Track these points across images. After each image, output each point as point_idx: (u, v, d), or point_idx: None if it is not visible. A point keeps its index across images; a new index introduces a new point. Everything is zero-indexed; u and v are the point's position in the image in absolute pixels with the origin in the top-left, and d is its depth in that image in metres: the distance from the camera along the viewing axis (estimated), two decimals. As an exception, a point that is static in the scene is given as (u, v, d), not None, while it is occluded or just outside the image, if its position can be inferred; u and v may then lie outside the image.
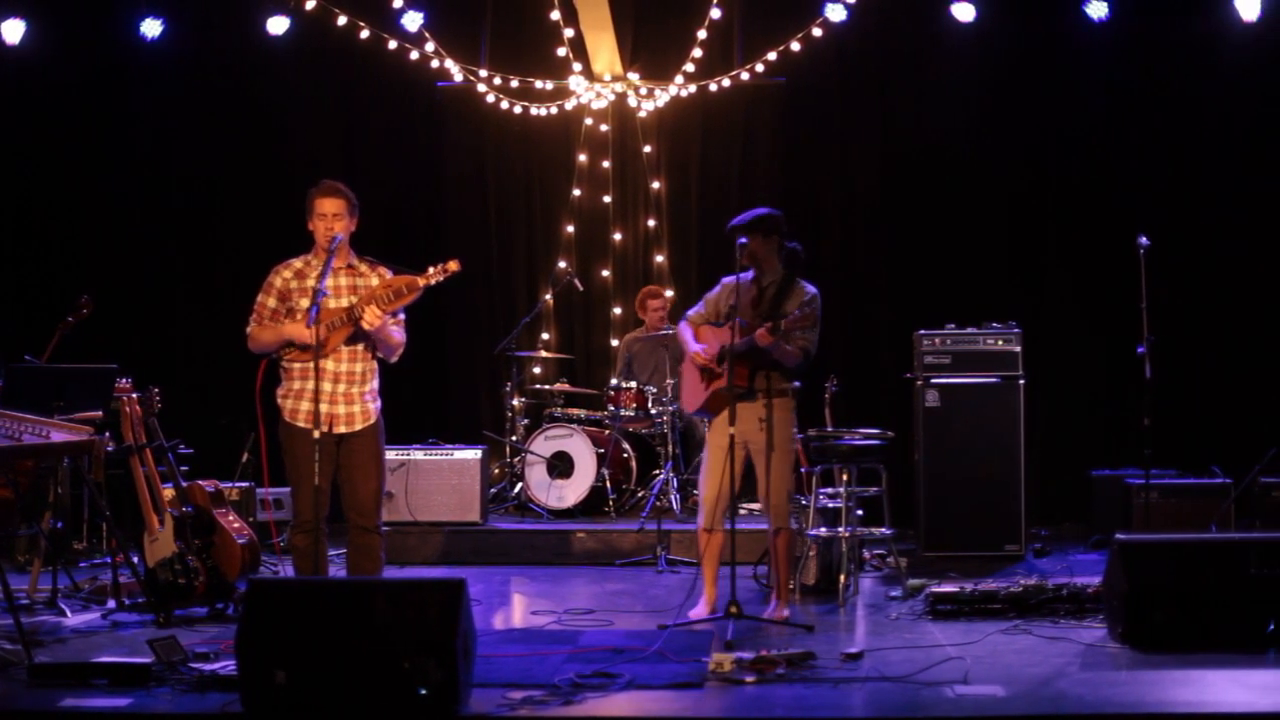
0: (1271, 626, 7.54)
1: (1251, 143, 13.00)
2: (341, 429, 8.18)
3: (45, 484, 9.78)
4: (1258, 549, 7.68)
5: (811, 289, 8.80)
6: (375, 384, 8.36)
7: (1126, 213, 12.51)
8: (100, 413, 9.50)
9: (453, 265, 8.09)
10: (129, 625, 8.71)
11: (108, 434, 9.53)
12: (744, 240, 8.72)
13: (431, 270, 8.08)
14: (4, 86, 13.58)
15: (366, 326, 8.02)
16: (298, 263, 8.30)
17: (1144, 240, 10.09)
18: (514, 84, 13.69)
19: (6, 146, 13.65)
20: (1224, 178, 12.99)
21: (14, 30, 12.92)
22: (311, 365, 8.00)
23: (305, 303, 8.03)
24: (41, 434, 8.00)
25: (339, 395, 8.16)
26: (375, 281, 8.24)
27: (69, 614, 8.95)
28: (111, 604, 9.21)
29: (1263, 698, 6.52)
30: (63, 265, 13.56)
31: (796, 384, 8.83)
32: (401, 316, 8.35)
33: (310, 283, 8.12)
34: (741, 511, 11.04)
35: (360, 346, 8.22)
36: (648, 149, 13.89)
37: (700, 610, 8.68)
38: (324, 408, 8.04)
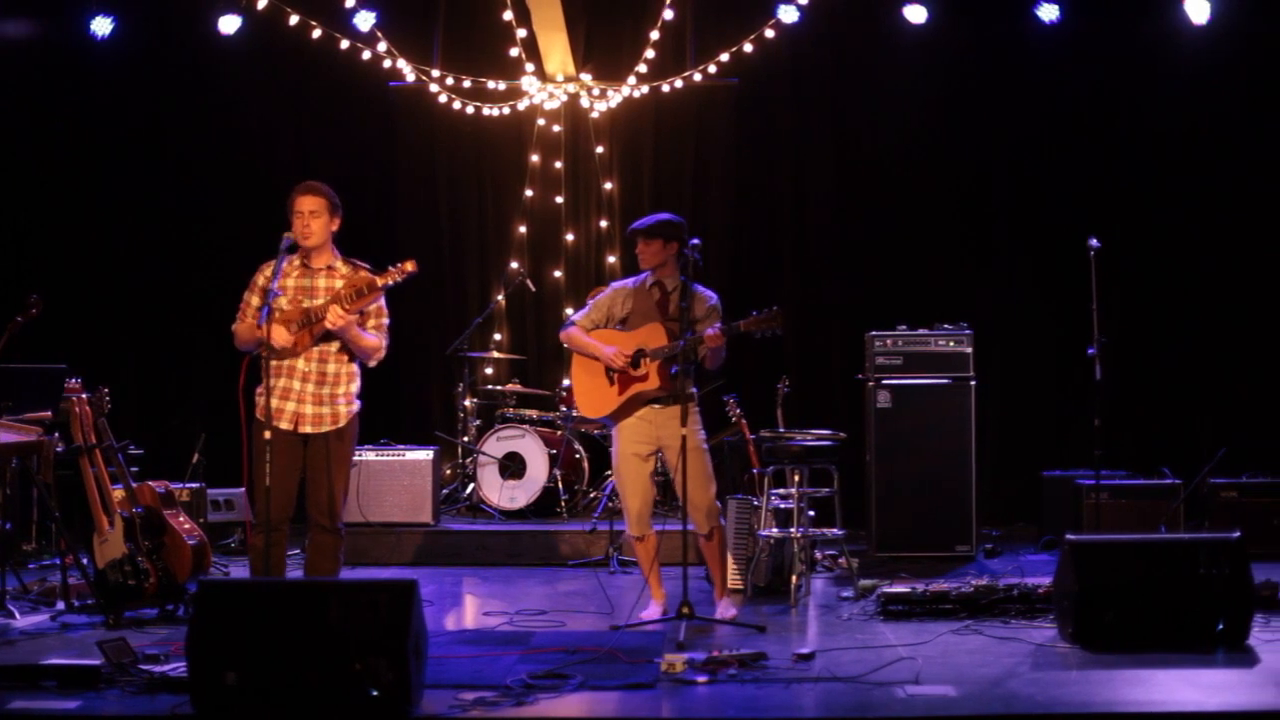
0: (1221, 626, 7.60)
1: (1202, 145, 13.07)
2: (308, 429, 8.16)
3: (-7, 485, 9.73)
4: (1207, 549, 7.73)
5: (712, 294, 8.82)
6: (351, 387, 8.34)
7: (1078, 214, 12.57)
8: (49, 413, 9.45)
9: (409, 266, 8.08)
10: (78, 627, 8.66)
11: (57, 434, 9.49)
12: (645, 243, 8.74)
13: (389, 270, 8.06)
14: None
15: (329, 325, 8.00)
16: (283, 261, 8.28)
17: (1094, 242, 10.13)
18: (466, 84, 13.66)
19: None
20: (1174, 180, 13.06)
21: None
22: (284, 363, 8.06)
23: (283, 301, 8.04)
24: (-10, 434, 7.97)
25: (307, 394, 8.15)
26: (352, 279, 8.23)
27: (17, 616, 8.89)
28: (60, 605, 9.15)
29: (1211, 697, 6.56)
30: (11, 265, 13.45)
31: (695, 389, 8.81)
32: (386, 322, 8.36)
33: (290, 281, 8.12)
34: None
35: (334, 348, 8.20)
36: (600, 150, 13.89)
37: (652, 612, 8.67)
38: (291, 406, 8.07)
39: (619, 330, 8.84)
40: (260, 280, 8.29)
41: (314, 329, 8.08)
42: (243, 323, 8.28)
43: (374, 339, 8.27)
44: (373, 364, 8.38)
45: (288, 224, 8.24)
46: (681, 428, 8.37)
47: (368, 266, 8.35)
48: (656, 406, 8.65)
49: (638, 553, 8.88)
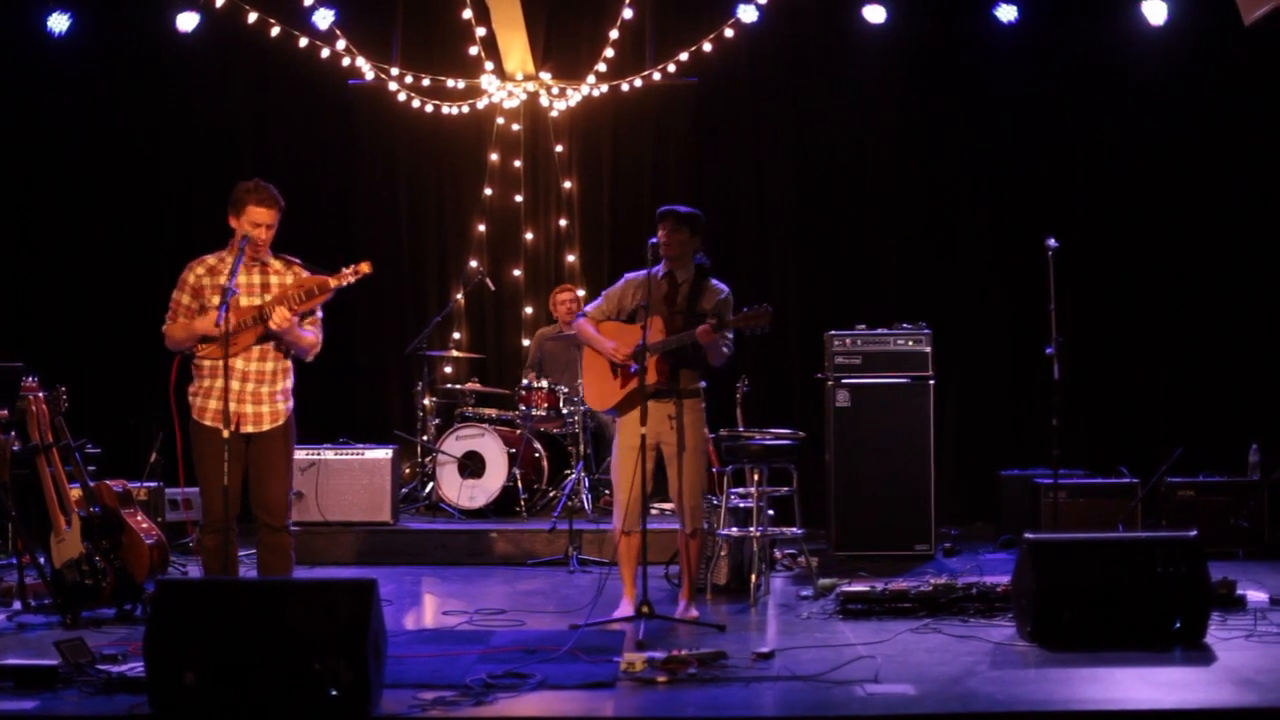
0: (1178, 624, 7.63)
1: (1159, 146, 13.14)
2: (249, 428, 8.10)
3: (-51, 484, 9.66)
4: (1164, 548, 7.76)
5: (724, 287, 8.82)
6: (288, 384, 8.28)
7: (1035, 214, 12.64)
8: (5, 411, 9.38)
9: (364, 267, 8.05)
10: (35, 627, 8.61)
11: (13, 433, 9.43)
12: (674, 229, 8.72)
13: (344, 271, 8.02)
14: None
15: (274, 327, 7.95)
16: (211, 259, 8.20)
17: (1052, 242, 10.16)
18: (425, 82, 13.66)
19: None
20: (1132, 180, 13.13)
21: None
22: (220, 363, 7.94)
23: (217, 299, 7.95)
24: (-55, 433, 7.92)
25: (247, 394, 8.09)
26: (290, 279, 8.17)
27: (-27, 616, 8.86)
28: (17, 605, 9.09)
29: (1168, 695, 6.58)
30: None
31: (704, 383, 8.83)
32: (319, 315, 8.29)
33: (222, 280, 8.03)
34: (653, 511, 11.03)
35: (271, 345, 8.14)
36: (559, 149, 13.90)
37: (625, 611, 8.65)
38: (232, 406, 7.95)
39: (626, 324, 8.84)
40: (190, 279, 8.16)
41: (255, 330, 8.03)
42: (174, 323, 8.17)
43: (311, 335, 8.22)
44: (309, 359, 8.32)
45: (225, 211, 8.18)
46: (671, 421, 8.43)
47: (299, 262, 8.29)
48: (659, 400, 8.61)
49: (620, 548, 8.84)
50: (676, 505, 8.79)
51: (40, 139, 13.68)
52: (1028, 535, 8.01)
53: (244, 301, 8.06)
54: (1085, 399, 12.41)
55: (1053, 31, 13.18)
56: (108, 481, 9.18)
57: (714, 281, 8.83)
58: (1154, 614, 7.66)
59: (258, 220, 8.08)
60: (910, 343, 11.40)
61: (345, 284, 8.06)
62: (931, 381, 11.35)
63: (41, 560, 9.04)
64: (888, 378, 11.38)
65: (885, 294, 12.97)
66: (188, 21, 13.01)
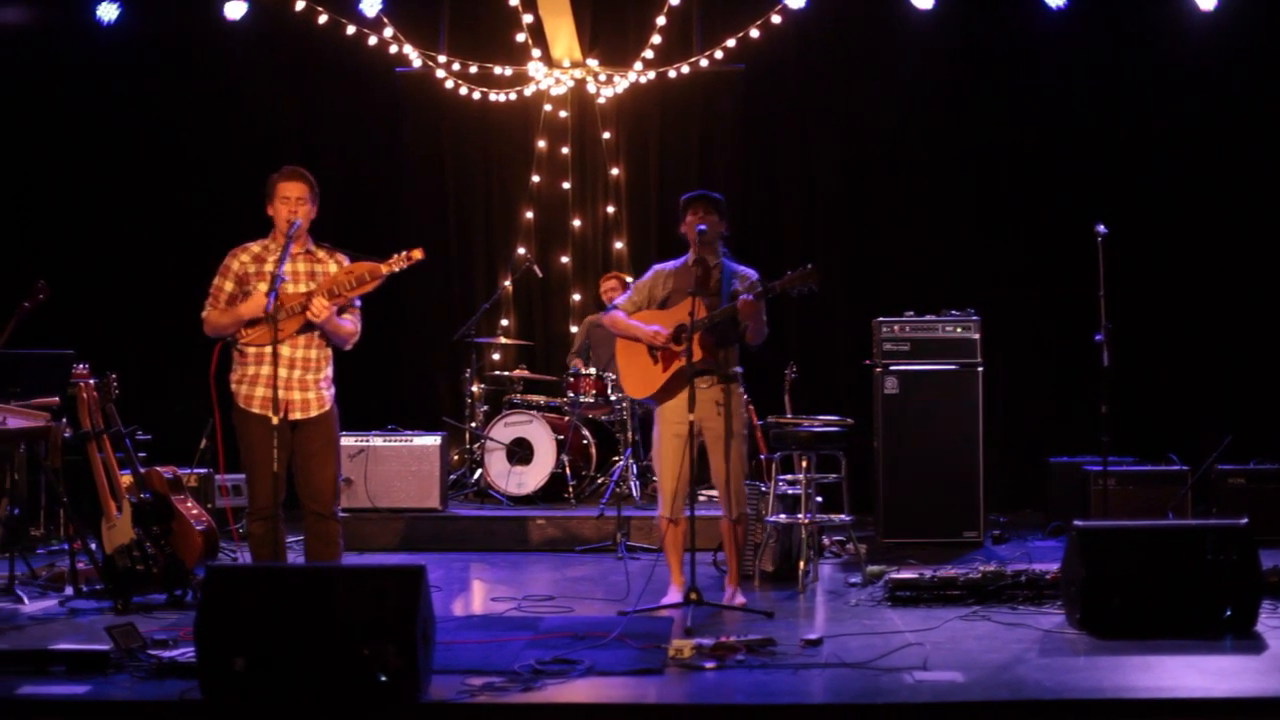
0: (1228, 612, 7.57)
1: (1210, 130, 13.05)
2: (297, 415, 8.11)
3: (2, 471, 9.74)
4: (1214, 535, 7.70)
5: (753, 271, 8.81)
6: (330, 371, 8.30)
7: (1085, 200, 12.57)
8: (57, 399, 9.46)
9: (416, 254, 8.04)
10: (87, 612, 8.66)
11: (64, 420, 9.49)
12: (708, 213, 8.73)
13: (394, 258, 8.02)
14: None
15: (311, 317, 7.96)
16: (255, 247, 8.22)
17: (1101, 228, 10.10)
18: (473, 70, 13.68)
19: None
20: (1182, 165, 13.05)
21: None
22: (266, 350, 7.95)
23: (263, 287, 7.95)
24: (-3, 420, 7.97)
25: (294, 381, 8.10)
26: (333, 268, 8.18)
27: (26, 601, 8.90)
28: (69, 591, 9.16)
29: (1219, 683, 6.55)
30: (17, 250, 13.47)
31: (740, 369, 8.81)
32: (358, 305, 8.29)
33: (268, 267, 8.04)
34: (700, 498, 11.03)
35: (316, 333, 8.15)
36: (607, 135, 13.90)
37: (673, 598, 8.64)
38: (279, 394, 7.99)
39: (659, 311, 8.83)
40: (234, 265, 8.19)
41: (299, 319, 8.04)
42: (215, 309, 8.18)
43: (350, 325, 8.22)
44: (348, 348, 8.33)
45: (264, 202, 8.22)
46: (717, 407, 8.41)
47: (344, 252, 8.31)
48: (703, 385, 8.59)
49: (666, 536, 8.84)
50: (721, 492, 8.78)
51: (85, 128, 13.75)
52: (1077, 523, 7.96)
53: (290, 289, 8.07)
54: (1135, 385, 12.33)
55: (1101, 16, 13.10)
56: (158, 468, 9.23)
57: (741, 267, 8.83)
58: (1204, 602, 7.60)
59: (286, 194, 8.10)
60: (959, 329, 11.37)
61: (396, 270, 8.06)
62: (980, 368, 11.31)
63: (93, 546, 9.10)
64: (936, 364, 11.34)
65: (933, 280, 12.91)
66: (235, 10, 13.05)
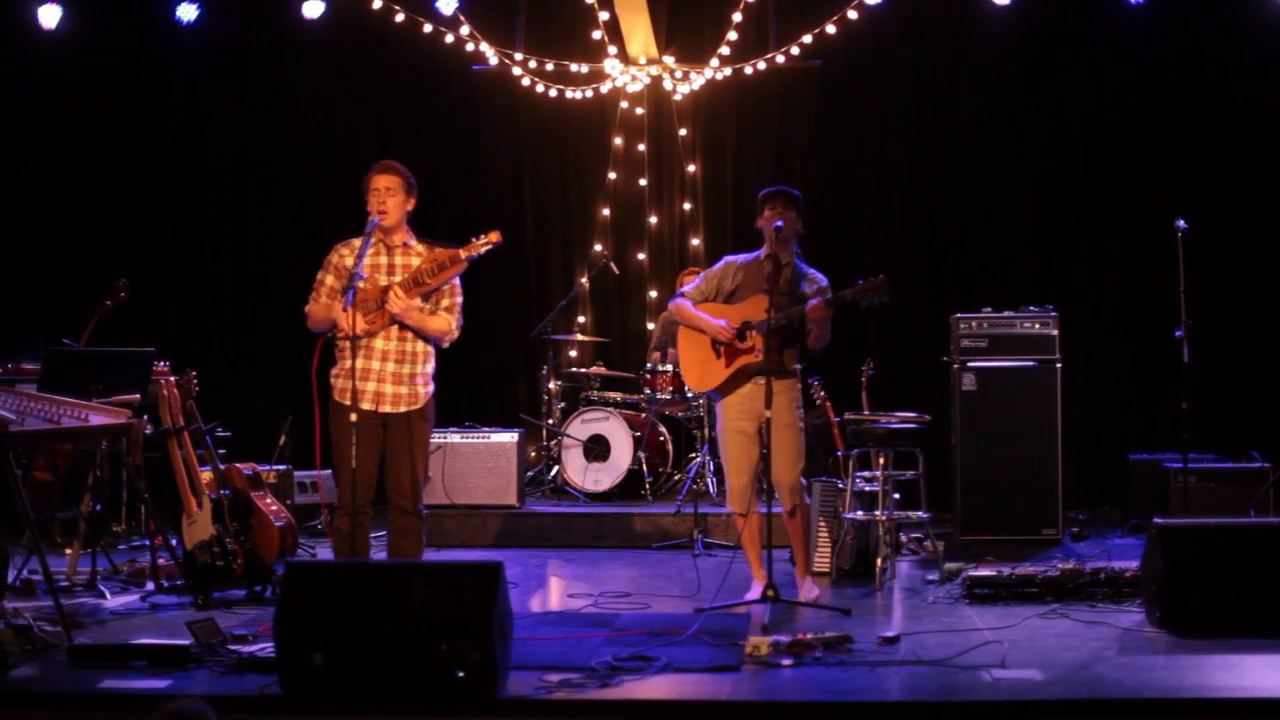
0: (1311, 611, 7.52)
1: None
2: (387, 408, 8.15)
3: (84, 467, 9.83)
4: (1297, 533, 7.66)
5: (823, 277, 8.80)
6: (428, 367, 8.30)
7: (1165, 194, 12.46)
8: (138, 396, 9.52)
9: (494, 236, 8.05)
10: (167, 607, 8.75)
11: (145, 417, 9.57)
12: (785, 209, 8.72)
13: (474, 241, 8.03)
14: (41, 71, 13.61)
15: (389, 308, 8.01)
16: (356, 241, 8.25)
17: (1181, 223, 10.03)
18: (549, 67, 13.70)
19: (45, 131, 13.72)
20: (1264, 158, 12.89)
21: (50, 15, 12.91)
22: (362, 344, 8.03)
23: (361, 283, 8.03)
24: (80, 417, 8.04)
25: (387, 374, 8.13)
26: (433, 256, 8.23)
27: (108, 596, 9.00)
28: (150, 586, 9.25)
29: (1302, 682, 6.51)
30: (100, 248, 13.61)
31: (800, 366, 8.79)
32: (458, 301, 8.31)
33: (367, 261, 8.12)
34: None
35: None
36: (683, 132, 13.89)
37: (755, 593, 8.62)
38: (372, 386, 8.05)
39: (726, 304, 8.82)
40: (334, 259, 8.27)
41: (386, 312, 8.08)
42: (316, 303, 8.27)
43: (441, 322, 8.23)
44: (445, 345, 8.35)
45: (363, 203, 8.28)
46: (766, 409, 8.37)
47: (439, 244, 8.34)
48: (760, 382, 8.57)
49: (742, 532, 8.84)
50: (777, 486, 8.76)
51: (165, 127, 13.85)
52: (1157, 520, 7.90)
53: (383, 283, 8.11)
54: (1216, 382, 12.20)
55: (1181, 5, 12.98)
56: (238, 464, 9.30)
57: (812, 270, 8.82)
58: (1287, 600, 7.55)
59: (376, 185, 8.17)
60: (1037, 325, 11.29)
61: (477, 254, 8.07)
62: (1058, 365, 11.23)
63: (173, 542, 9.18)
64: (1014, 361, 11.27)
65: (1011, 275, 12.84)
66: (313, 9, 13.09)
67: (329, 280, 8.25)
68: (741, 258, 8.91)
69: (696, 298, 8.93)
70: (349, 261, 8.17)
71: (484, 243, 8.04)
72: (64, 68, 13.65)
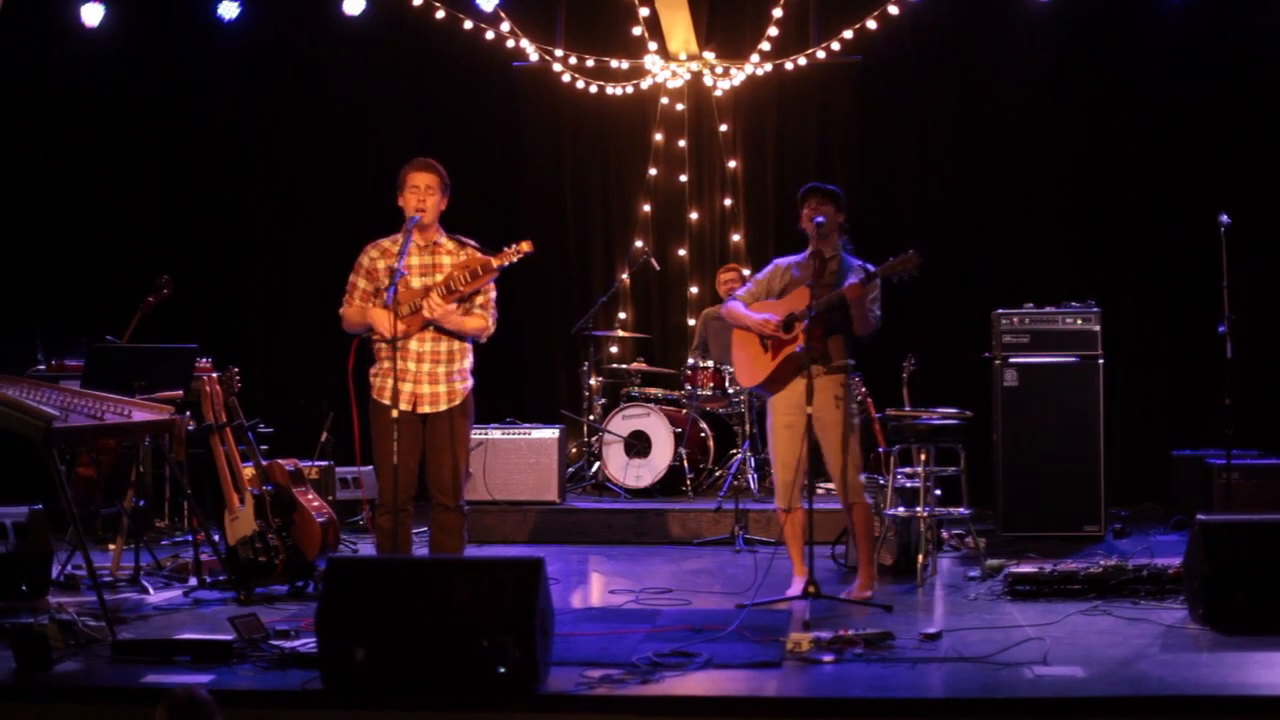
0: (1356, 608, 7.47)
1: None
2: (426, 408, 8.18)
3: (127, 463, 9.88)
4: (1341, 530, 7.60)
5: (869, 266, 8.78)
6: (465, 364, 8.32)
7: (1207, 189, 12.38)
8: (181, 392, 9.58)
9: (525, 246, 8.08)
10: (210, 603, 8.79)
11: (188, 413, 9.63)
12: (820, 204, 8.72)
13: (506, 250, 8.06)
14: (83, 69, 13.68)
15: (427, 315, 8.03)
16: (386, 242, 8.30)
17: (1224, 218, 9.98)
18: (589, 63, 13.71)
19: (86, 129, 13.79)
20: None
21: (93, 13, 12.97)
22: (398, 344, 8.04)
23: (389, 281, 8.04)
24: (123, 413, 8.09)
25: (424, 374, 8.16)
26: (462, 259, 8.24)
27: (151, 591, 9.04)
28: (193, 581, 9.30)
29: (1346, 680, 6.47)
30: (143, 245, 13.65)
31: (852, 360, 8.78)
32: (492, 298, 8.33)
33: (409, 260, 8.14)
34: (819, 491, 10.99)
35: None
36: (724, 128, 13.88)
37: (796, 589, 8.61)
38: (409, 387, 8.07)
39: (773, 301, 8.84)
40: (365, 261, 8.30)
41: (421, 315, 8.09)
42: (350, 305, 8.30)
43: (478, 320, 8.25)
44: (483, 340, 8.37)
45: (394, 195, 8.30)
46: (808, 405, 8.35)
47: (474, 244, 8.36)
48: (804, 377, 8.53)
49: (784, 527, 8.83)
50: (837, 482, 8.76)
51: (207, 125, 13.92)
52: (1200, 516, 7.86)
53: (415, 283, 8.15)
54: (1259, 378, 12.12)
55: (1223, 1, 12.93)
56: (280, 461, 9.34)
57: (855, 259, 8.81)
58: (1330, 598, 7.50)
59: (415, 183, 8.20)
60: (1079, 321, 11.25)
61: (508, 263, 8.10)
62: (1101, 360, 11.19)
63: (216, 537, 9.23)
64: (1056, 357, 11.23)
65: (1052, 270, 12.79)
66: (354, 6, 13.12)
67: (360, 282, 8.29)
68: (790, 259, 8.92)
69: (748, 299, 8.96)
70: (380, 264, 8.22)
71: (515, 251, 8.06)
72: (106, 67, 13.72)
